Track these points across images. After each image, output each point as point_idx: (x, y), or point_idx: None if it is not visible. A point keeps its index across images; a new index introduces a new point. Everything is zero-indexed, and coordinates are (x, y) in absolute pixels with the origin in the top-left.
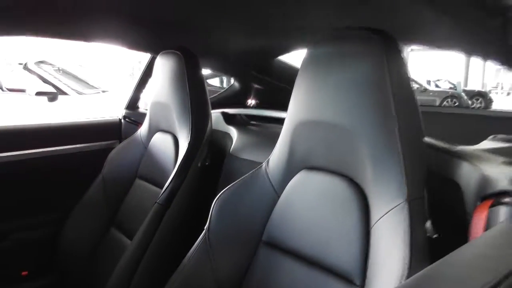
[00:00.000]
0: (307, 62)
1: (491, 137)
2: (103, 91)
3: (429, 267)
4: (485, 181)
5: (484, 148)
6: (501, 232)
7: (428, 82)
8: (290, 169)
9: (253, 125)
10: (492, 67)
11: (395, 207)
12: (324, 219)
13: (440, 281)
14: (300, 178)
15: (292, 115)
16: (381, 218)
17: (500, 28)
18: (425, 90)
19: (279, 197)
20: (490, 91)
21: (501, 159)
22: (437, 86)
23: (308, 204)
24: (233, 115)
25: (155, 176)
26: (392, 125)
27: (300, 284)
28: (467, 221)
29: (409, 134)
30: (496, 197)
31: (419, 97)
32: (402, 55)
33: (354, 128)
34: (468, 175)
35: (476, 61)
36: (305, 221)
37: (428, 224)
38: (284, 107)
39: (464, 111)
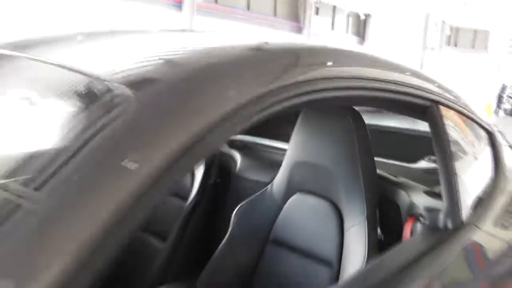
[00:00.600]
0: (304, 119)
1: (426, 158)
2: None
3: (377, 259)
4: (412, 205)
5: (419, 168)
6: (414, 240)
7: None
8: (289, 191)
9: (249, 149)
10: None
11: (359, 221)
12: (313, 226)
13: (383, 267)
14: (296, 198)
15: (292, 153)
16: (350, 228)
17: None
18: None
19: (281, 210)
20: None
21: (423, 188)
22: None
23: (302, 214)
24: (232, 140)
25: (179, 190)
26: (357, 166)
27: (296, 269)
28: (401, 230)
29: (368, 171)
30: (416, 217)
31: None
32: (365, 127)
33: (333, 168)
34: (403, 199)
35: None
36: (300, 227)
37: (379, 231)
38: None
39: (405, 131)
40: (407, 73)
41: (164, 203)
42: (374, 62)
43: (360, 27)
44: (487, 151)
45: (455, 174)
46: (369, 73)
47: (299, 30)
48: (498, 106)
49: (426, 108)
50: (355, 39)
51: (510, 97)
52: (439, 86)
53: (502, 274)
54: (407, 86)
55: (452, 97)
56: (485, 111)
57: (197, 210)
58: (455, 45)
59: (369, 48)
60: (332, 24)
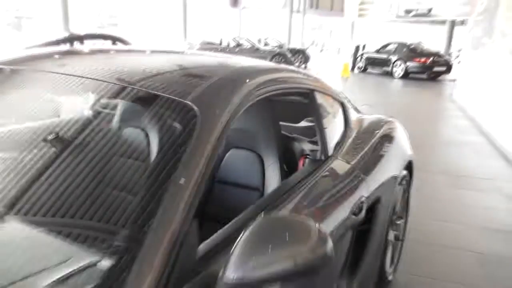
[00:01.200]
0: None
1: (304, 119)
2: None
3: (283, 182)
4: (302, 149)
5: (301, 126)
6: (304, 169)
7: (259, 41)
8: (227, 147)
9: None
10: (309, 27)
11: (273, 162)
12: (245, 168)
13: (286, 186)
14: (232, 152)
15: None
16: (268, 166)
17: None
18: (257, 49)
19: (222, 160)
20: (307, 48)
21: (307, 139)
22: (266, 44)
23: (237, 162)
24: None
25: None
26: (270, 129)
27: (236, 196)
28: (297, 165)
29: (276, 132)
30: (305, 156)
31: (253, 55)
32: (273, 107)
33: (256, 131)
34: (296, 147)
35: (297, 21)
36: (236, 169)
37: (284, 167)
38: None
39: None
40: (300, 75)
41: None
42: (278, 71)
43: None
44: (340, 113)
45: (324, 128)
46: (276, 79)
47: None
48: (354, 65)
49: (308, 93)
50: (228, 0)
51: (362, 56)
52: (314, 80)
53: (346, 182)
54: (297, 83)
55: (319, 85)
56: (344, 68)
57: None
58: (317, 8)
59: (244, 12)
60: None
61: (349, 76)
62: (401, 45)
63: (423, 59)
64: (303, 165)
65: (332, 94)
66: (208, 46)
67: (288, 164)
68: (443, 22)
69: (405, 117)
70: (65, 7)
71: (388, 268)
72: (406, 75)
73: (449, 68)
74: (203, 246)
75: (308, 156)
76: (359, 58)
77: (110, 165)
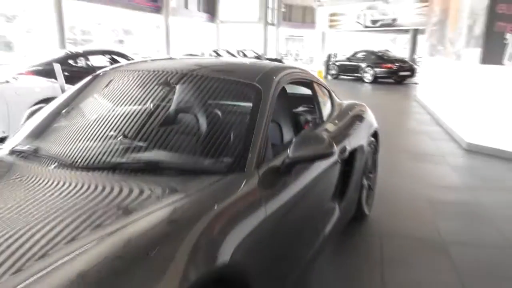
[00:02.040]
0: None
1: (301, 105)
2: None
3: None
4: (305, 118)
5: (300, 110)
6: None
7: (238, 52)
8: None
9: None
10: (283, 37)
11: (288, 129)
12: (271, 131)
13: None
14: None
15: None
16: (285, 132)
17: None
18: None
19: None
20: (282, 58)
21: (307, 114)
22: (244, 55)
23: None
24: None
25: None
26: (287, 111)
27: None
28: (303, 129)
29: (291, 113)
30: (306, 122)
31: None
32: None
33: (276, 110)
34: (302, 118)
35: (272, 32)
36: None
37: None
38: None
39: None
40: (304, 72)
41: None
42: (293, 68)
43: (210, 5)
44: (328, 96)
45: (320, 103)
46: (293, 72)
47: (158, 9)
48: (327, 73)
49: (309, 83)
50: (205, 16)
51: (334, 64)
52: (312, 75)
53: (335, 134)
54: (303, 76)
55: (315, 78)
56: (318, 75)
57: None
58: (290, 20)
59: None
60: (186, 2)
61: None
62: (370, 53)
63: (389, 65)
64: (307, 128)
65: (323, 84)
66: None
67: (297, 129)
68: (407, 31)
69: (375, 113)
70: (61, 29)
71: (365, 206)
72: (375, 80)
73: (413, 72)
74: (275, 147)
75: (310, 122)
76: (332, 65)
77: (220, 114)
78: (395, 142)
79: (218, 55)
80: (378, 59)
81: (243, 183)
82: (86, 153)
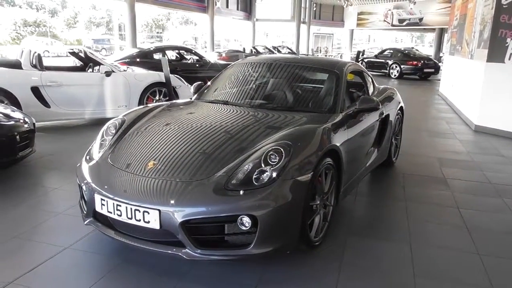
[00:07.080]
0: None
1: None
2: None
3: None
4: (358, 95)
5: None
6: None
7: (274, 48)
8: None
9: None
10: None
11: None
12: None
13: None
14: None
15: None
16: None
17: None
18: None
19: None
20: (314, 53)
21: (358, 92)
22: (279, 51)
23: None
24: None
25: None
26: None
27: None
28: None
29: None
30: (358, 97)
31: None
32: None
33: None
34: (355, 94)
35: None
36: None
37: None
38: None
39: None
40: (356, 65)
41: None
42: (350, 61)
43: (247, 4)
44: (371, 81)
45: (368, 84)
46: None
47: (204, 9)
48: None
49: (360, 72)
50: (242, 14)
51: (363, 61)
52: (361, 68)
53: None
54: (357, 68)
55: (364, 69)
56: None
57: None
58: (319, 18)
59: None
60: (227, 2)
61: (353, 78)
62: (396, 51)
63: (415, 62)
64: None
65: (368, 74)
66: (234, 54)
67: (353, 100)
68: (433, 30)
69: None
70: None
71: (393, 156)
72: (401, 76)
73: (437, 69)
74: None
75: (360, 96)
76: (360, 62)
77: (321, 86)
78: (417, 124)
79: (258, 51)
80: (404, 56)
81: (336, 117)
82: (249, 100)
